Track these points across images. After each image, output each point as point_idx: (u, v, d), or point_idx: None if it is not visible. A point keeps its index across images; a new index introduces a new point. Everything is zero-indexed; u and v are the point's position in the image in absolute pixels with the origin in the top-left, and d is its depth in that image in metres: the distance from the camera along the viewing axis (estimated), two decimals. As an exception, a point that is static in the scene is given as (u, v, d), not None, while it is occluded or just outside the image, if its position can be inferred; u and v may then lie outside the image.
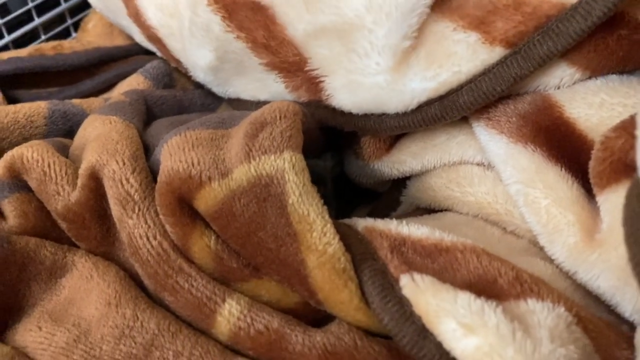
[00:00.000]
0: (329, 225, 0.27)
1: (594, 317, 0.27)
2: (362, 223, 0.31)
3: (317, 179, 0.38)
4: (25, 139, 0.41)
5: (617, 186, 0.27)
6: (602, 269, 0.27)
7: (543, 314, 0.25)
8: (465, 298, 0.24)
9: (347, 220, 0.32)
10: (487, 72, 0.32)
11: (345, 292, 0.27)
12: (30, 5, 0.58)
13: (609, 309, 0.29)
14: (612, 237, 0.27)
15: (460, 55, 0.32)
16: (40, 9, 0.59)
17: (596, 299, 0.29)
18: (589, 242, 0.28)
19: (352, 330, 0.27)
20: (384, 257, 0.28)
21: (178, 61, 0.47)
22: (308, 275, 0.27)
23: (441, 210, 0.37)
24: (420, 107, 0.34)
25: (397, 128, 0.35)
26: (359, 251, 0.28)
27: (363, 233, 0.30)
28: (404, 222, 0.30)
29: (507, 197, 0.33)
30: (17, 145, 0.37)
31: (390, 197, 0.42)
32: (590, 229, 0.29)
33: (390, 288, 0.26)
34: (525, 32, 0.31)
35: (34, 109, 0.43)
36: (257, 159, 0.29)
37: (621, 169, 0.27)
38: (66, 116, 0.44)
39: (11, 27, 0.57)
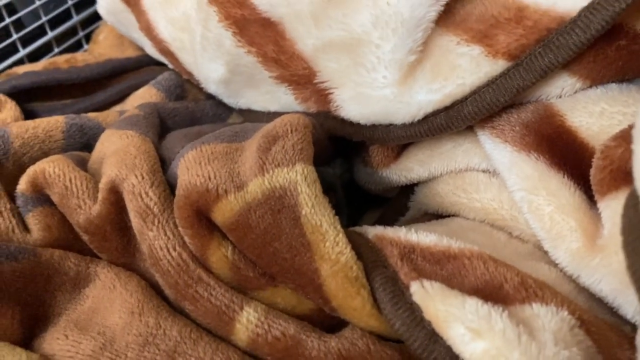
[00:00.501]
0: (340, 235, 0.29)
1: (596, 319, 0.28)
2: (373, 231, 0.32)
3: (327, 187, 0.39)
4: (45, 154, 0.43)
5: (617, 193, 0.29)
6: (604, 273, 0.29)
7: (547, 318, 0.26)
8: (472, 304, 0.26)
9: (357, 229, 0.33)
10: (490, 84, 0.33)
11: (357, 299, 0.28)
12: (44, 19, 0.59)
13: (612, 311, 0.30)
14: (613, 242, 0.28)
15: (464, 68, 0.33)
16: (53, 23, 0.61)
17: (599, 302, 0.30)
18: (591, 247, 0.29)
19: (365, 336, 0.28)
20: (394, 264, 0.29)
21: (190, 74, 0.48)
22: (322, 283, 0.28)
23: (448, 216, 0.38)
24: (427, 118, 0.35)
25: (404, 138, 0.36)
26: (370, 259, 0.29)
27: (374, 241, 0.31)
28: (413, 229, 0.31)
29: (512, 203, 0.34)
30: (37, 159, 0.39)
31: (398, 203, 0.43)
32: (592, 235, 0.30)
33: (401, 295, 0.28)
34: (527, 45, 0.32)
35: (52, 123, 0.44)
36: (271, 172, 0.30)
37: (621, 176, 0.28)
38: (83, 130, 0.45)
39: (26, 41, 0.59)
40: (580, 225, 0.30)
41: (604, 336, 0.28)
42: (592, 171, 0.30)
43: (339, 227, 0.29)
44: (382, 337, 0.29)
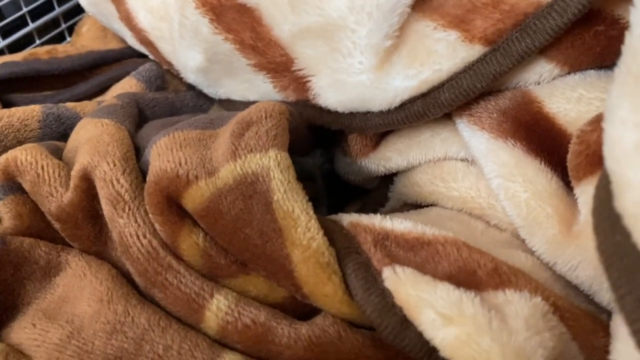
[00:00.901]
0: (312, 220, 0.28)
1: (572, 306, 0.28)
2: (347, 218, 0.32)
3: (306, 176, 0.39)
4: (20, 143, 0.42)
5: (592, 178, 0.28)
6: (580, 260, 0.28)
7: (520, 304, 0.26)
8: (444, 289, 0.25)
9: (332, 216, 0.33)
10: (467, 70, 0.33)
11: (329, 285, 0.27)
12: (25, 10, 0.58)
13: (589, 299, 0.29)
14: (588, 228, 0.27)
15: (441, 53, 0.33)
16: (35, 14, 0.60)
17: (576, 289, 0.30)
18: (567, 234, 0.29)
19: (337, 323, 0.28)
20: (367, 250, 0.29)
21: (169, 63, 0.48)
22: (293, 269, 0.28)
23: (427, 206, 0.38)
24: (404, 105, 0.35)
25: (381, 126, 0.36)
26: (343, 245, 0.29)
27: (348, 228, 0.31)
28: (388, 217, 0.31)
29: (490, 191, 0.34)
30: (11, 148, 0.38)
31: (378, 193, 0.42)
32: (569, 221, 0.29)
33: (373, 281, 0.27)
34: (503, 30, 0.32)
35: (28, 112, 0.43)
36: (243, 157, 0.30)
37: (596, 161, 0.28)
38: (60, 119, 0.45)
39: (6, 32, 0.58)
40: (557, 211, 0.30)
41: (579, 323, 0.27)
42: (569, 156, 0.30)
43: (311, 213, 0.29)
44: (354, 324, 0.28)
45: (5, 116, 0.42)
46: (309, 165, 0.41)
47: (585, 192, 0.29)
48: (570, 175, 0.30)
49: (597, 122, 0.28)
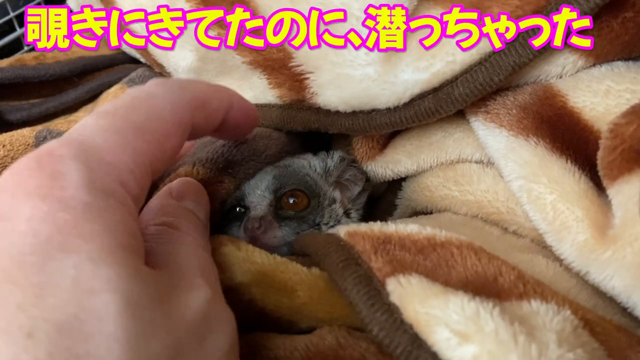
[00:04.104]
0: None
1: (601, 319, 0.25)
2: (344, 229, 0.28)
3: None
4: None
5: (629, 176, 0.25)
6: (617, 268, 0.25)
7: (548, 316, 0.22)
8: (457, 302, 0.22)
9: (330, 230, 0.30)
10: (483, 62, 0.30)
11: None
12: (12, 15, 0.56)
13: (623, 311, 0.26)
14: (627, 232, 0.24)
15: (454, 44, 0.30)
16: (22, 19, 0.58)
17: (605, 300, 0.26)
18: (600, 239, 0.26)
19: (335, 330, 0.25)
20: (367, 259, 0.25)
21: (161, 65, 0.45)
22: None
23: (438, 212, 0.35)
24: (413, 101, 0.32)
25: (387, 125, 0.33)
26: (340, 259, 0.25)
27: (345, 239, 0.27)
28: (390, 222, 0.28)
29: (509, 194, 0.31)
30: None
31: (385, 200, 0.39)
32: (602, 225, 0.26)
33: (377, 295, 0.23)
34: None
35: (22, 150, 0.41)
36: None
37: (633, 157, 0.25)
38: None
39: (-8, 38, 0.56)
40: (588, 214, 0.27)
41: (611, 337, 0.24)
42: (600, 153, 0.27)
43: None
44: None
45: (0, 157, 0.39)
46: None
47: (620, 192, 0.26)
48: (602, 174, 0.27)
49: (633, 114, 0.25)
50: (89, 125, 0.21)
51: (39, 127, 0.44)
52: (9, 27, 0.57)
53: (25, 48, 0.58)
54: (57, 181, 0.18)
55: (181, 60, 0.40)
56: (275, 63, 0.35)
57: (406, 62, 0.31)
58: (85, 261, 0.17)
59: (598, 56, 0.30)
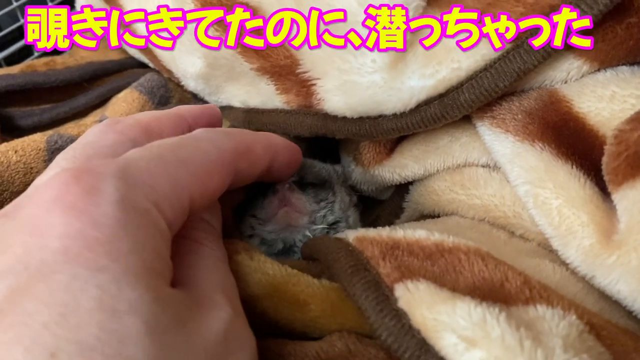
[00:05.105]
0: None
1: (607, 324, 0.25)
2: (353, 234, 0.29)
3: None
4: (27, 185, 0.40)
5: (634, 182, 0.25)
6: (622, 272, 0.25)
7: (554, 321, 0.23)
8: (464, 307, 0.22)
9: (338, 234, 0.30)
10: (488, 68, 0.30)
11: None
12: (22, 21, 0.57)
13: (629, 314, 0.26)
14: (632, 237, 0.25)
15: (460, 50, 0.30)
16: (33, 26, 0.58)
17: (611, 304, 0.27)
18: (606, 244, 0.26)
19: (344, 337, 0.25)
20: (375, 265, 0.26)
21: (169, 71, 0.46)
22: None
23: (445, 216, 0.35)
24: (419, 107, 0.32)
25: (394, 130, 0.33)
26: (349, 264, 0.26)
27: (354, 244, 0.28)
28: (398, 226, 0.28)
29: (515, 199, 0.31)
30: (18, 194, 0.36)
31: (392, 204, 0.40)
32: (607, 230, 0.26)
33: (386, 301, 0.24)
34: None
35: (33, 155, 0.41)
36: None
37: (638, 163, 0.25)
38: None
39: (3, 44, 0.56)
40: (593, 219, 0.27)
41: (617, 341, 0.24)
42: (605, 159, 0.27)
43: None
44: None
45: (13, 163, 0.40)
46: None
47: (625, 197, 0.26)
48: (607, 179, 0.27)
49: (637, 120, 0.26)
50: (134, 150, 0.22)
51: (49, 132, 0.45)
52: (19, 34, 0.58)
53: (36, 54, 0.59)
54: (92, 197, 0.19)
55: (190, 66, 0.40)
56: (283, 70, 0.35)
57: (412, 69, 0.31)
58: (110, 282, 0.17)
59: (603, 61, 0.30)
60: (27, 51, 0.59)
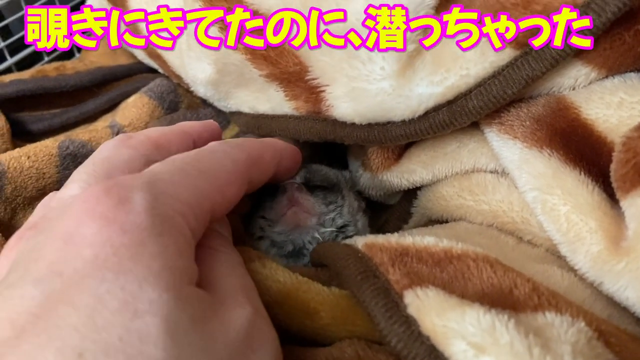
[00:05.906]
0: None
1: (616, 330, 0.25)
2: (362, 240, 0.29)
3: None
4: (39, 190, 0.41)
5: (642, 189, 0.26)
6: (630, 279, 0.25)
7: (563, 328, 0.23)
8: (473, 314, 0.22)
9: (347, 240, 0.30)
10: (496, 75, 0.30)
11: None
12: (33, 27, 0.57)
13: (638, 320, 0.27)
14: (639, 244, 0.25)
15: (468, 57, 0.31)
16: (43, 31, 0.59)
17: (620, 310, 0.27)
18: (614, 250, 0.26)
19: (354, 343, 0.25)
20: (385, 271, 0.26)
21: (179, 77, 0.46)
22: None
23: (454, 221, 0.35)
24: (427, 114, 0.32)
25: (403, 137, 0.33)
26: (359, 270, 0.26)
27: (363, 250, 0.28)
28: (407, 232, 0.29)
29: (524, 204, 0.31)
30: (31, 199, 0.39)
31: (400, 209, 0.40)
32: (615, 236, 0.27)
33: (395, 307, 0.24)
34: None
35: (46, 161, 0.41)
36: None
37: (646, 170, 0.25)
38: (77, 159, 0.43)
39: (13, 49, 0.57)
40: (601, 226, 0.27)
41: (626, 348, 0.24)
42: (613, 166, 0.27)
43: None
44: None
45: (25, 169, 0.40)
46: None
47: (633, 204, 0.26)
48: (615, 186, 0.27)
49: (645, 128, 0.26)
50: (157, 164, 0.24)
51: (61, 137, 0.45)
52: (29, 39, 0.58)
53: (46, 59, 0.60)
54: (121, 207, 0.20)
55: (200, 72, 0.41)
56: (292, 76, 0.36)
57: (420, 76, 0.31)
58: (132, 283, 0.18)
59: (611, 68, 0.30)
60: (38, 56, 0.59)
